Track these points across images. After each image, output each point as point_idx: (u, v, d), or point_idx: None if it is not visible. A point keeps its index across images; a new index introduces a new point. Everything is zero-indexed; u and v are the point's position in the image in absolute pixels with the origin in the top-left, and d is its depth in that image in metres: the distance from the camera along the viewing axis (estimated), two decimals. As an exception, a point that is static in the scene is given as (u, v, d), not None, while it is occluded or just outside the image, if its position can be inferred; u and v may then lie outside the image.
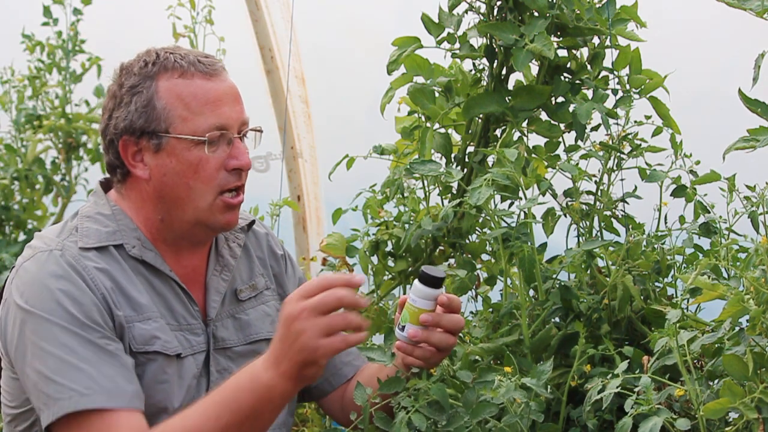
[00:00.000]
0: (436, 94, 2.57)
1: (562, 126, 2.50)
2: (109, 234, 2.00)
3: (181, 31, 4.24)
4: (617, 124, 2.40)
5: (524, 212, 2.24)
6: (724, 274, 2.13)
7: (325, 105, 4.25)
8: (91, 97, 4.83)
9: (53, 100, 4.82)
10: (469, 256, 2.59)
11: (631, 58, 2.47)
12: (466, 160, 2.59)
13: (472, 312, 2.57)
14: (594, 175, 2.41)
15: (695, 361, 2.00)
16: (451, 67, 2.61)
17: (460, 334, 2.15)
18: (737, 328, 1.88)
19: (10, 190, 4.70)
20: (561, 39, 2.47)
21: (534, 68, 2.53)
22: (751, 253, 1.92)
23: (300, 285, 2.21)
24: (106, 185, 2.09)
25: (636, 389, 1.89)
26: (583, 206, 2.40)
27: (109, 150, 2.02)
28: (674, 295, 2.31)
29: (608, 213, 2.43)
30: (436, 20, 2.53)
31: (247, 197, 2.06)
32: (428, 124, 2.59)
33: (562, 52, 2.49)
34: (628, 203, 2.41)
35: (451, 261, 2.66)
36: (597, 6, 2.46)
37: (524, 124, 2.50)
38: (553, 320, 2.31)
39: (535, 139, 2.55)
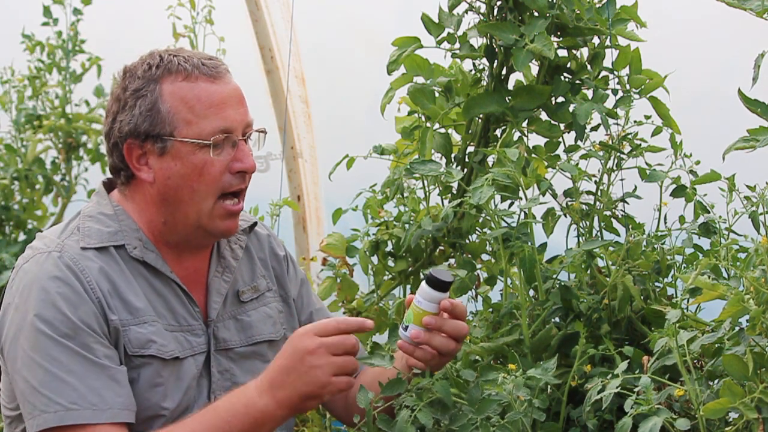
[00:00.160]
0: (436, 94, 2.57)
1: (562, 126, 2.50)
2: (110, 234, 2.00)
3: (181, 31, 4.24)
4: (617, 124, 2.40)
5: (524, 212, 2.24)
6: (724, 274, 2.13)
7: (325, 105, 4.25)
8: (91, 97, 4.82)
9: (53, 100, 4.82)
10: (469, 256, 2.59)
11: (631, 58, 2.47)
12: (466, 160, 2.59)
13: (472, 312, 2.57)
14: (594, 175, 2.41)
15: (695, 361, 2.00)
16: (451, 67, 2.61)
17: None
18: (737, 328, 1.88)
19: (10, 190, 4.70)
20: (561, 39, 2.47)
21: (534, 68, 2.54)
22: (751, 253, 1.92)
23: (302, 286, 2.22)
24: (108, 185, 2.09)
25: (636, 389, 1.89)
26: (583, 206, 2.40)
27: (113, 153, 2.02)
28: (674, 295, 2.31)
29: (608, 213, 2.43)
30: (436, 20, 2.53)
31: (248, 197, 2.06)
32: (428, 124, 2.59)
33: (562, 52, 2.49)
34: (628, 203, 2.41)
35: (451, 261, 2.66)
36: (597, 6, 2.46)
37: (524, 124, 2.51)
38: (553, 320, 2.31)
39: (535, 139, 2.55)
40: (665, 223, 2.34)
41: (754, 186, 2.15)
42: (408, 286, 2.72)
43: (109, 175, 2.09)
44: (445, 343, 1.95)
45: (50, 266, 1.93)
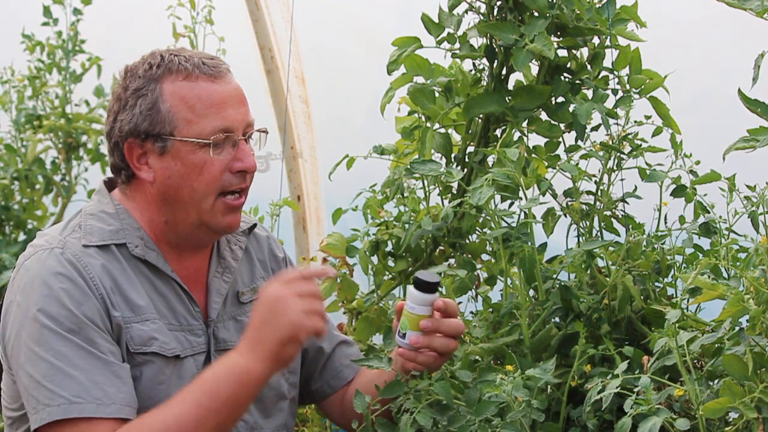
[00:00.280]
0: (436, 94, 2.57)
1: (562, 126, 2.50)
2: (112, 232, 2.00)
3: (181, 31, 4.24)
4: (617, 124, 2.40)
5: (524, 212, 2.24)
6: (724, 274, 2.13)
7: (325, 105, 4.25)
8: (91, 97, 4.82)
9: (53, 100, 4.82)
10: (469, 256, 2.59)
11: (631, 58, 2.47)
12: (466, 160, 2.59)
13: (472, 312, 2.57)
14: (594, 175, 2.41)
15: (695, 361, 2.00)
16: (451, 67, 2.61)
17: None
18: (737, 328, 1.88)
19: (10, 190, 4.70)
20: (561, 39, 2.47)
21: (534, 68, 2.54)
22: (751, 253, 1.92)
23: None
24: (110, 184, 2.09)
25: (636, 389, 1.89)
26: (583, 206, 2.40)
27: (113, 152, 2.02)
28: (674, 295, 2.31)
29: (608, 213, 2.43)
30: (436, 20, 2.53)
31: (248, 197, 2.06)
32: (428, 124, 2.59)
33: (562, 52, 2.49)
34: (628, 203, 2.41)
35: (451, 261, 2.66)
36: (597, 6, 2.46)
37: (524, 124, 2.51)
38: (553, 320, 2.31)
39: (535, 139, 2.55)
40: (665, 223, 2.34)
41: (754, 186, 2.15)
42: (408, 287, 2.72)
43: (109, 174, 2.09)
44: (445, 343, 1.95)
45: (53, 262, 1.93)
